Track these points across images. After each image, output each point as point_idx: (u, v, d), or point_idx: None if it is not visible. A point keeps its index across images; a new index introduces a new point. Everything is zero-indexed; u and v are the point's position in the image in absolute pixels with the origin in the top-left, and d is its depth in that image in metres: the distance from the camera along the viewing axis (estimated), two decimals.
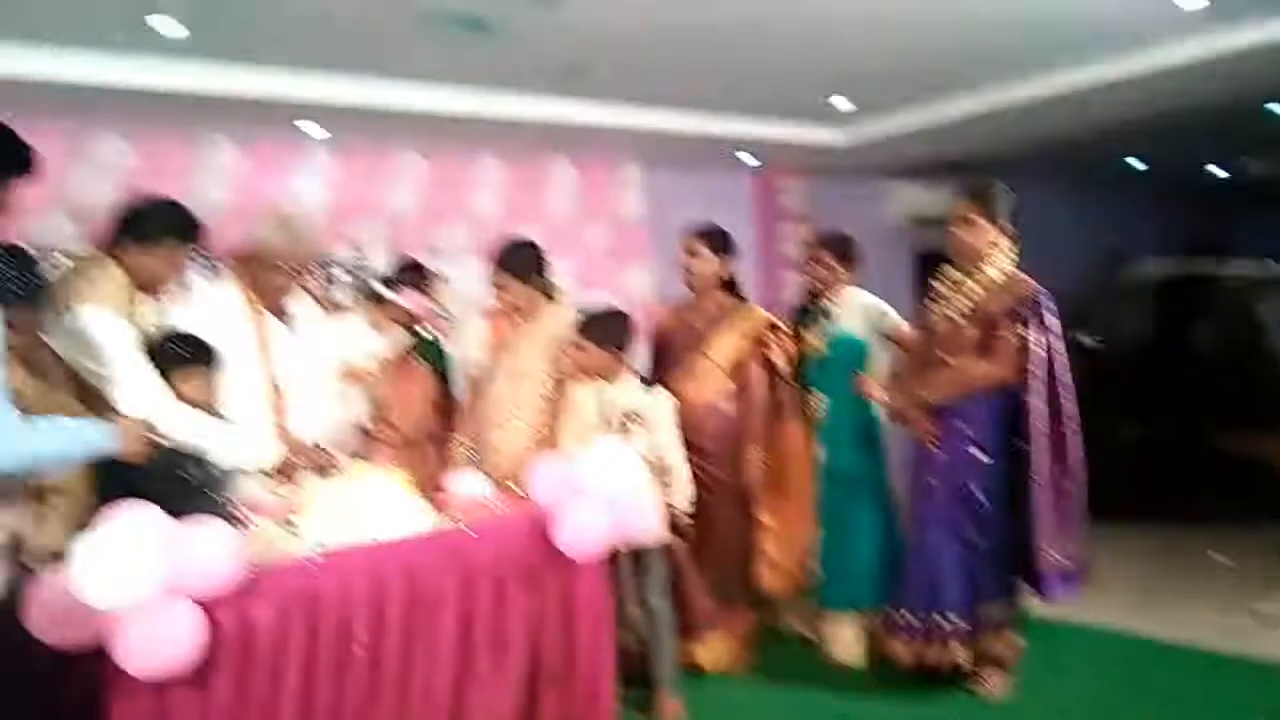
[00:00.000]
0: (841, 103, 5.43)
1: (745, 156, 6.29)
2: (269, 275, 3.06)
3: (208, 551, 2.19)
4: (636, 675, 3.25)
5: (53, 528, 2.61)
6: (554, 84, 4.60)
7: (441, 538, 2.63)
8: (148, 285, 2.89)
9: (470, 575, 2.61)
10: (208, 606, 2.19)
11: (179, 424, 2.68)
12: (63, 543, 2.61)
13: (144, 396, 2.67)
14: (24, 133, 2.32)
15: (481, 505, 2.83)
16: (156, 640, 2.08)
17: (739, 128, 5.60)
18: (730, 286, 3.73)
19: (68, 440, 2.21)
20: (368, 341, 3.26)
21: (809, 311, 3.95)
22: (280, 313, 3.16)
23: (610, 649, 2.85)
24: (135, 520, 2.14)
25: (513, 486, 3.01)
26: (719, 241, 3.68)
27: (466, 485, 2.94)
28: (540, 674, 2.74)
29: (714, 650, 3.60)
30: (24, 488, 2.45)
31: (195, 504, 2.66)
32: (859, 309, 3.77)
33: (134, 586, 2.02)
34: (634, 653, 3.27)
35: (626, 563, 3.20)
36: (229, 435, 2.80)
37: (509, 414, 3.38)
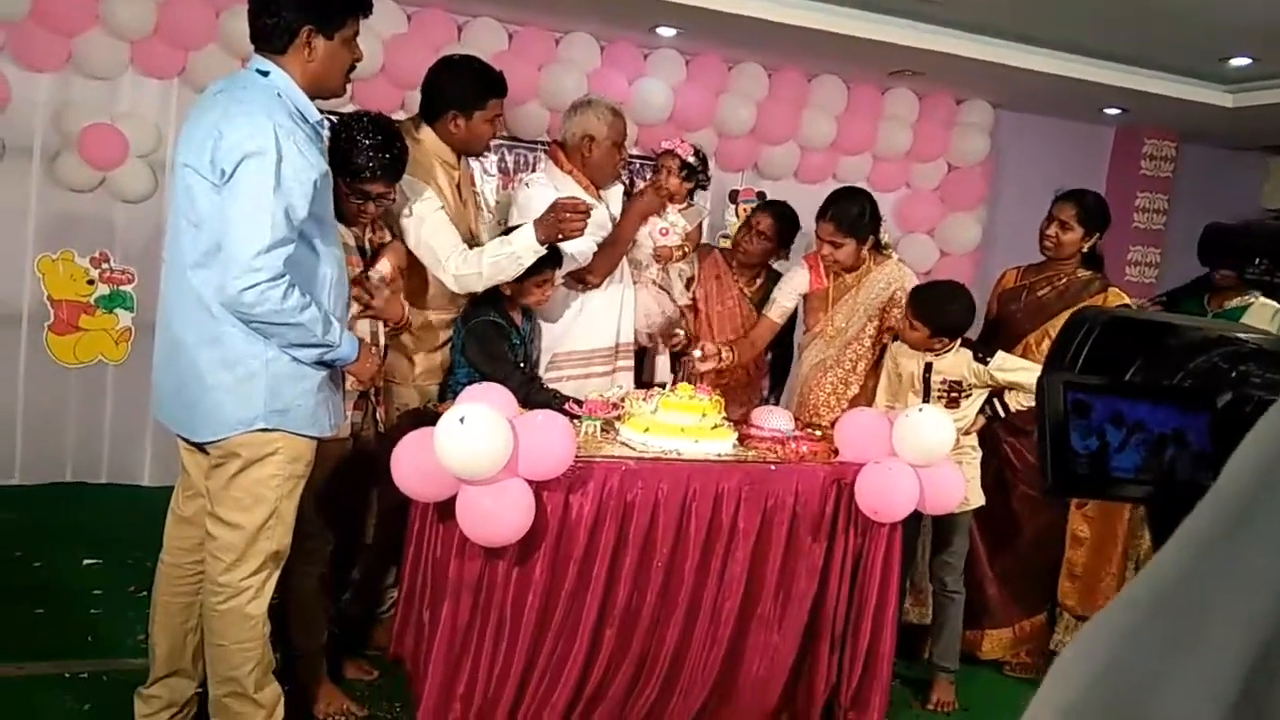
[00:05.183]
0: (1240, 61, 4.80)
1: (1111, 109, 5.73)
2: (604, 159, 3.20)
3: (547, 441, 2.39)
4: (914, 652, 3.22)
5: (412, 388, 2.97)
6: (912, 6, 4.38)
7: (745, 470, 2.70)
8: (473, 149, 3.07)
9: (768, 514, 2.68)
10: (539, 491, 2.41)
11: (473, 261, 2.82)
12: (419, 401, 2.98)
13: (443, 248, 2.82)
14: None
15: (786, 445, 2.87)
16: (498, 514, 2.32)
17: (1109, 75, 5.09)
18: (1091, 260, 3.41)
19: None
20: (673, 220, 3.36)
21: (1191, 305, 3.48)
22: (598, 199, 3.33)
23: (894, 619, 2.85)
24: (495, 402, 2.37)
25: (819, 432, 3.02)
26: (1093, 212, 3.34)
27: (774, 422, 2.99)
28: (820, 631, 2.79)
29: (995, 646, 3.50)
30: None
31: (534, 393, 2.91)
32: (1273, 321, 3.26)
33: (487, 464, 2.25)
34: (916, 628, 3.23)
35: (927, 534, 3.15)
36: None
37: (831, 373, 3.36)
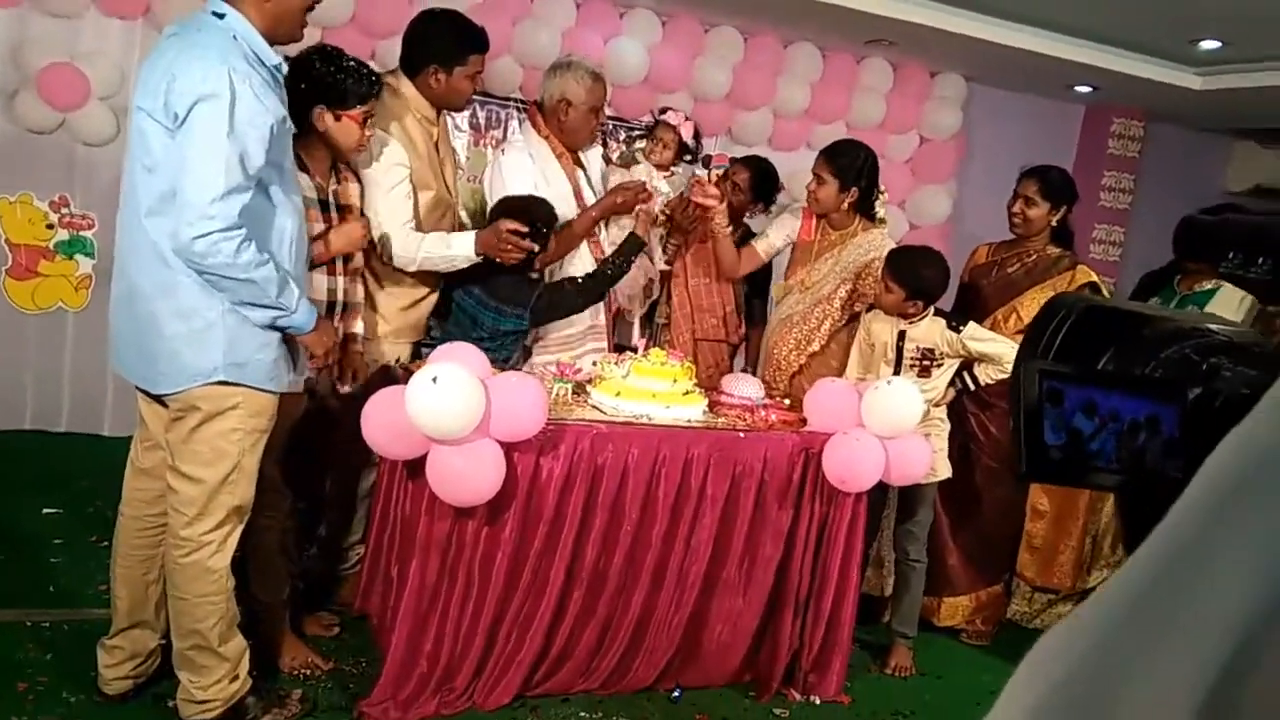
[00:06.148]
0: (1209, 44, 4.85)
1: (1082, 87, 5.78)
2: (580, 124, 3.16)
3: (519, 403, 2.40)
4: (874, 618, 3.31)
5: (381, 345, 2.96)
6: None
7: (715, 437, 2.73)
8: (452, 104, 3.03)
9: (737, 481, 2.72)
10: (509, 452, 2.42)
11: (411, 247, 2.83)
12: (388, 358, 2.96)
13: (391, 221, 2.81)
14: None
15: (756, 412, 2.90)
16: (468, 474, 2.33)
17: (1081, 52, 5.13)
18: (1060, 237, 3.46)
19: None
20: (657, 185, 3.37)
21: (1162, 286, 3.55)
22: (579, 163, 3.31)
23: (856, 586, 2.92)
24: (466, 362, 2.37)
25: (787, 400, 3.06)
26: (1056, 186, 3.40)
27: (743, 390, 3.02)
28: (784, 597, 2.85)
29: (952, 613, 3.59)
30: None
31: (591, 287, 3.06)
32: (1239, 307, 3.31)
33: (459, 424, 2.25)
34: (876, 597, 3.31)
35: (892, 506, 3.22)
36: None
37: (796, 328, 3.38)
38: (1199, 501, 0.39)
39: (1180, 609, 0.37)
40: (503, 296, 2.91)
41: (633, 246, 3.11)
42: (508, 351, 2.97)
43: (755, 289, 3.77)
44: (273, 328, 2.22)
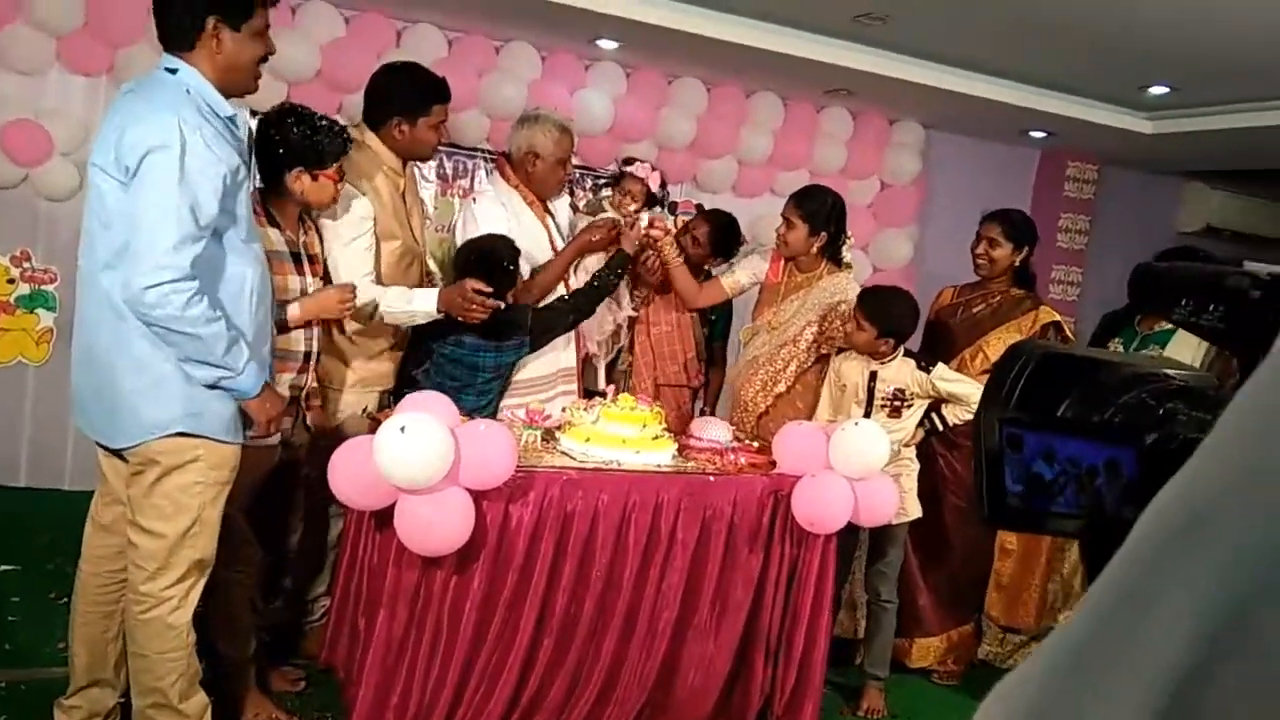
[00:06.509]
0: (1158, 89, 5.00)
1: (1036, 133, 5.92)
2: (548, 175, 3.20)
3: (488, 451, 2.39)
4: (846, 660, 3.31)
5: (347, 394, 2.94)
6: (848, 28, 4.49)
7: (685, 481, 2.74)
8: (418, 155, 3.06)
9: (707, 525, 2.72)
10: (479, 500, 2.41)
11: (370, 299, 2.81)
12: (354, 408, 2.95)
13: (350, 274, 2.79)
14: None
15: (725, 456, 2.91)
16: (437, 523, 2.31)
17: (1036, 99, 5.27)
18: (1022, 278, 3.54)
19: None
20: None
21: (1123, 326, 3.64)
22: (547, 211, 3.34)
23: (828, 628, 2.91)
24: (435, 410, 2.36)
25: (755, 444, 3.07)
26: (1019, 227, 3.49)
27: (712, 433, 3.03)
28: (755, 641, 2.84)
29: (924, 654, 3.59)
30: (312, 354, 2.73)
31: (585, 302, 3.15)
32: (1199, 346, 3.35)
33: (428, 474, 2.24)
34: (849, 639, 3.31)
35: (863, 548, 3.23)
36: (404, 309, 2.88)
37: (763, 370, 3.41)
38: (1143, 542, 0.41)
39: (1125, 651, 0.38)
40: (501, 334, 2.94)
41: (620, 262, 3.19)
42: (504, 381, 3.06)
43: (716, 333, 3.80)
44: (216, 388, 2.18)
